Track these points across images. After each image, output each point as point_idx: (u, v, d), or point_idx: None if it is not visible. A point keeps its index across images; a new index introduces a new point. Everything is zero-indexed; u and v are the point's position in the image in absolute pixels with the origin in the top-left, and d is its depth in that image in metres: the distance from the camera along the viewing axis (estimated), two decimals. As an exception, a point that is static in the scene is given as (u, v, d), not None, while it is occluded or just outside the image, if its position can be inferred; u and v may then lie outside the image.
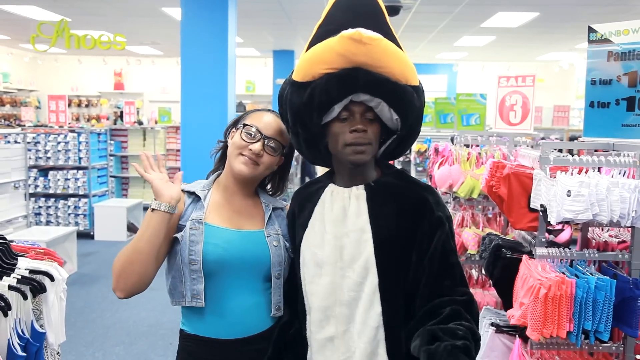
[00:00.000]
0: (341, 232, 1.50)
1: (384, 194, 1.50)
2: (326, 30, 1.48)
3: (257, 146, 1.63)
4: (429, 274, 1.45)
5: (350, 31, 1.38)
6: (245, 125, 1.65)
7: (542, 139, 3.67)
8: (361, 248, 1.47)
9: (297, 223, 1.63)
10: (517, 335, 2.33)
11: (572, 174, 2.11)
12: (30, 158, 7.42)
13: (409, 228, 1.46)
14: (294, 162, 11.01)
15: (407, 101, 1.46)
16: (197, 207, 1.66)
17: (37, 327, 1.51)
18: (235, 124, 1.74)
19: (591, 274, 2.12)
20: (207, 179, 1.78)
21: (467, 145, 3.68)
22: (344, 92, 1.43)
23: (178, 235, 1.61)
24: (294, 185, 11.26)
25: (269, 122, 1.67)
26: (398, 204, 1.48)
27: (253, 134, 1.64)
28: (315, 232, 1.55)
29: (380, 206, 1.49)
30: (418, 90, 1.50)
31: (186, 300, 1.61)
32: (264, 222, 1.69)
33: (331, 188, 1.57)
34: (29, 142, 7.44)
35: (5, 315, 1.35)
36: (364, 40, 1.36)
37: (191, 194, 1.69)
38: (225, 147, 1.75)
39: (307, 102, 1.46)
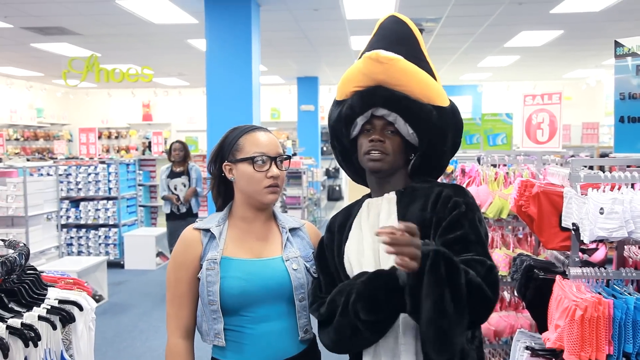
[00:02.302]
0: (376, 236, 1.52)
1: (412, 196, 1.59)
2: (363, 55, 1.62)
3: (275, 171, 1.64)
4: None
5: (370, 52, 1.53)
6: (252, 158, 1.63)
7: (572, 156, 3.59)
8: None
9: (338, 241, 1.65)
10: (553, 359, 2.26)
11: (604, 191, 2.05)
12: (62, 190, 7.58)
13: (430, 218, 1.51)
14: (320, 187, 10.53)
15: (423, 118, 1.55)
16: (213, 245, 1.65)
17: (66, 357, 1.51)
18: (220, 156, 1.70)
19: (629, 294, 2.04)
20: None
21: (494, 165, 3.63)
22: (365, 107, 1.57)
23: (199, 275, 1.63)
24: (320, 209, 11.25)
25: (267, 141, 1.67)
26: (423, 201, 1.56)
27: (263, 160, 1.63)
28: (354, 241, 1.60)
29: (407, 205, 1.56)
30: (441, 111, 1.58)
31: (209, 339, 1.64)
32: (282, 247, 1.68)
33: (367, 201, 1.66)
34: (60, 174, 7.61)
35: (36, 345, 1.35)
36: (381, 60, 1.51)
37: (207, 231, 1.68)
38: (222, 181, 1.72)
39: (337, 117, 1.65)
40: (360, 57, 1.62)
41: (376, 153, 1.55)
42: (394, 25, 1.65)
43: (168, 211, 6.50)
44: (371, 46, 1.62)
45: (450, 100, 1.64)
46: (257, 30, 6.30)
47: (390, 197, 1.60)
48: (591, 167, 2.58)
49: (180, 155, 6.52)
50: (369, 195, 1.70)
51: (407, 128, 1.56)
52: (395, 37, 1.62)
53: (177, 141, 6.69)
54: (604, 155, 7.15)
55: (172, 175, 6.50)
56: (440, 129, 1.58)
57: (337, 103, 1.67)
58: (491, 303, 1.41)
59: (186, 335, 1.68)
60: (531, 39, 8.93)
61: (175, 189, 6.47)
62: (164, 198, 6.51)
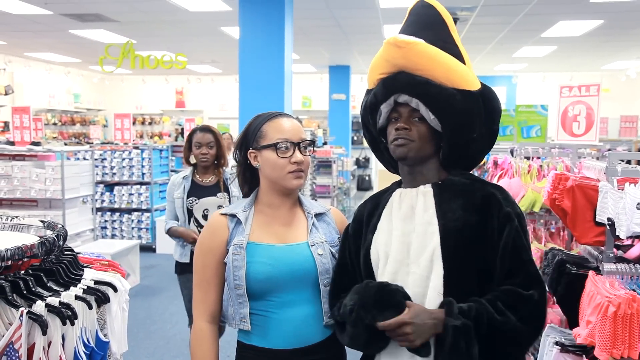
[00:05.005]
0: (409, 229, 1.53)
1: (451, 191, 1.54)
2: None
3: (298, 156, 1.65)
4: (500, 271, 1.45)
5: (389, 37, 1.52)
6: (275, 144, 1.64)
7: (609, 150, 3.51)
8: (427, 241, 1.48)
9: (365, 230, 1.64)
10: (583, 356, 2.22)
11: (641, 186, 2.00)
12: (97, 174, 7.75)
13: (477, 222, 1.47)
14: (350, 177, 10.44)
15: (443, 102, 1.50)
16: (239, 230, 1.67)
17: (101, 336, 1.55)
18: (244, 143, 1.72)
19: (665, 292, 2.00)
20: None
21: (528, 158, 3.57)
22: (387, 93, 1.56)
23: (226, 259, 1.66)
24: (350, 198, 11.25)
25: (290, 127, 1.67)
26: (465, 200, 1.51)
27: (286, 147, 1.64)
28: (383, 232, 1.57)
29: (447, 201, 1.51)
30: (467, 95, 1.52)
31: (235, 323, 1.67)
32: (307, 232, 1.69)
33: (399, 191, 1.62)
34: (96, 159, 7.78)
35: (72, 324, 1.39)
36: (399, 44, 1.49)
37: (233, 216, 1.70)
38: (247, 168, 1.74)
39: (364, 105, 1.65)
40: None
41: (401, 139, 1.52)
42: (422, 10, 1.61)
43: (185, 259, 3.46)
44: (402, 32, 1.60)
45: (483, 84, 1.57)
46: (290, 18, 6.30)
47: (426, 190, 1.55)
48: (629, 162, 2.51)
49: (211, 157, 3.46)
50: (398, 184, 1.67)
51: (429, 114, 1.51)
52: (424, 21, 1.59)
53: (204, 127, 3.54)
54: (642, 150, 6.95)
55: (197, 191, 3.43)
56: (464, 114, 1.51)
57: (367, 92, 1.67)
58: (529, 342, 1.46)
59: (212, 319, 1.70)
60: (569, 28, 8.69)
61: (205, 217, 3.38)
62: (172, 233, 3.42)
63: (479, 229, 1.46)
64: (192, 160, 3.52)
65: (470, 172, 1.67)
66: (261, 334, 1.64)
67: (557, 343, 2.37)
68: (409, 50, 1.49)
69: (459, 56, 1.56)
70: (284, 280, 1.62)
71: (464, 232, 1.46)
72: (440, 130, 1.53)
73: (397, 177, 1.71)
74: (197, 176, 3.50)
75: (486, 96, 1.56)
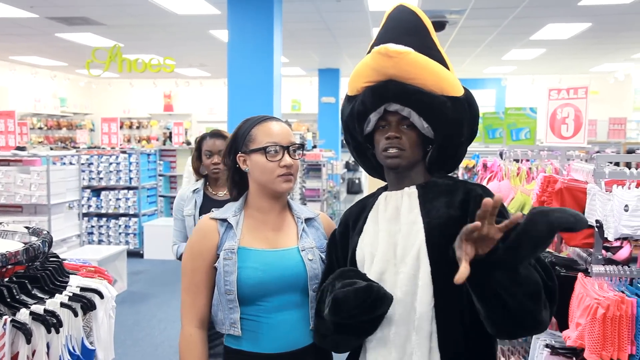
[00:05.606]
0: (394, 229, 1.54)
1: (435, 191, 1.56)
2: (372, 49, 1.59)
3: (287, 160, 1.65)
4: None
5: (379, 47, 1.50)
6: (264, 148, 1.64)
7: (597, 152, 3.53)
8: (412, 239, 1.49)
9: (351, 233, 1.65)
10: (573, 358, 2.23)
11: (629, 188, 2.01)
12: (83, 179, 7.68)
13: (459, 217, 1.48)
14: (339, 180, 10.36)
15: (436, 110, 1.52)
16: (230, 235, 1.66)
17: (87, 344, 1.53)
18: (234, 147, 1.72)
19: (654, 293, 2.00)
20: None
21: (517, 160, 3.58)
22: (377, 103, 1.54)
23: (216, 264, 1.64)
24: (340, 202, 11.25)
25: (279, 131, 1.67)
26: (448, 198, 1.54)
27: (276, 150, 1.64)
28: (369, 234, 1.58)
29: (431, 201, 1.54)
30: (456, 101, 1.54)
31: (225, 328, 1.65)
32: (297, 237, 1.69)
33: (384, 194, 1.64)
34: (82, 164, 7.71)
35: (57, 332, 1.37)
36: (390, 54, 1.48)
37: (224, 221, 1.69)
38: (237, 171, 1.74)
39: (350, 113, 1.61)
40: (369, 51, 1.58)
41: (393, 150, 1.52)
42: (403, 15, 1.60)
43: None
44: (380, 38, 1.59)
45: (464, 88, 1.60)
46: (279, 21, 6.29)
47: (411, 192, 1.57)
48: (617, 164, 2.53)
49: (224, 166, 2.12)
50: (384, 188, 1.68)
51: (422, 122, 1.53)
52: (405, 27, 1.57)
53: (215, 132, 3.04)
54: (630, 152, 7.00)
55: (211, 207, 2.28)
56: (455, 121, 1.54)
57: (349, 98, 1.64)
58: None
59: (201, 324, 1.69)
60: (558, 31, 8.77)
61: None
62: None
63: (462, 223, 1.46)
64: (203, 171, 3.01)
65: (454, 174, 1.68)
66: (251, 338, 1.63)
67: (547, 345, 2.37)
68: (401, 60, 1.47)
69: (442, 61, 1.57)
70: (274, 285, 1.61)
71: (447, 228, 1.47)
72: (430, 136, 1.55)
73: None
74: (210, 189, 2.97)
75: (470, 101, 1.59)
